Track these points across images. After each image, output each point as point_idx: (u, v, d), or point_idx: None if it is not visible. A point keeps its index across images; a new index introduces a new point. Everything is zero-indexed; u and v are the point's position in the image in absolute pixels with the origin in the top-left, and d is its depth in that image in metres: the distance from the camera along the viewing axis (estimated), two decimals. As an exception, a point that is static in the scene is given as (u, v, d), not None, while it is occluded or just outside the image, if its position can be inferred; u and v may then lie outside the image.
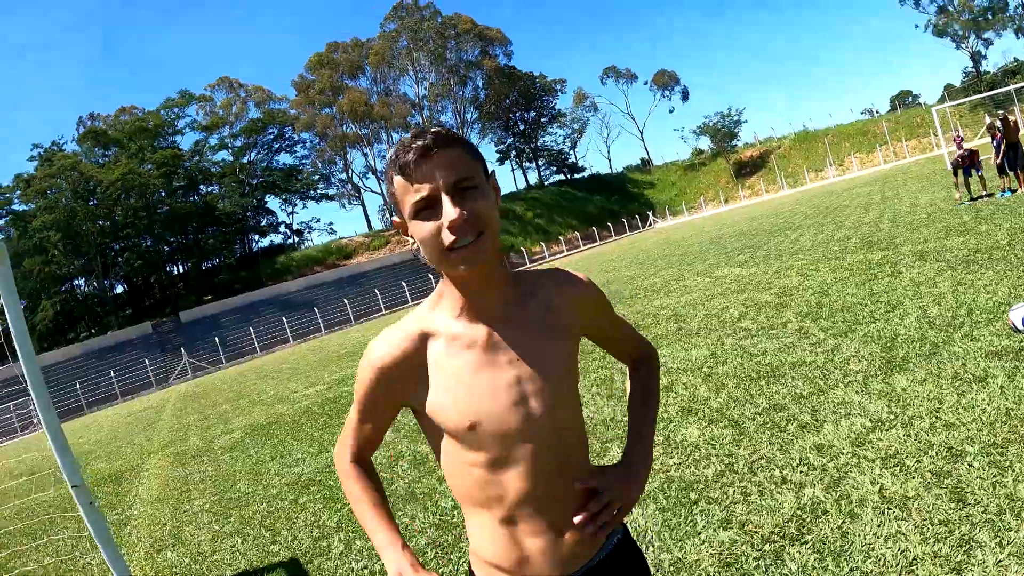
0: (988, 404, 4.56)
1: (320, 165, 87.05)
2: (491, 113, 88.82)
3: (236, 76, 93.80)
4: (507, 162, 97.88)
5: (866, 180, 41.66)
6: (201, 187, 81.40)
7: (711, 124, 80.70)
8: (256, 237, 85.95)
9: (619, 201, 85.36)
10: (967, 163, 17.06)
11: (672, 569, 3.72)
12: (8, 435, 39.66)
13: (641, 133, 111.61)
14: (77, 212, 66.08)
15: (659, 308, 12.98)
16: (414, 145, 1.38)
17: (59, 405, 42.95)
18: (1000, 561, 3.00)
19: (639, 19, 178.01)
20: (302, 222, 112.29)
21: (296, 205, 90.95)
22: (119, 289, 77.50)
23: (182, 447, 13.63)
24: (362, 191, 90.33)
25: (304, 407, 13.90)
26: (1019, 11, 68.87)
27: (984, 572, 2.96)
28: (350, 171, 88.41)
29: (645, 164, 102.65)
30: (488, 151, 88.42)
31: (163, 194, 75.18)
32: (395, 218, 1.53)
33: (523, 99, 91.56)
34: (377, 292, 57.11)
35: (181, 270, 78.49)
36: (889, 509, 3.63)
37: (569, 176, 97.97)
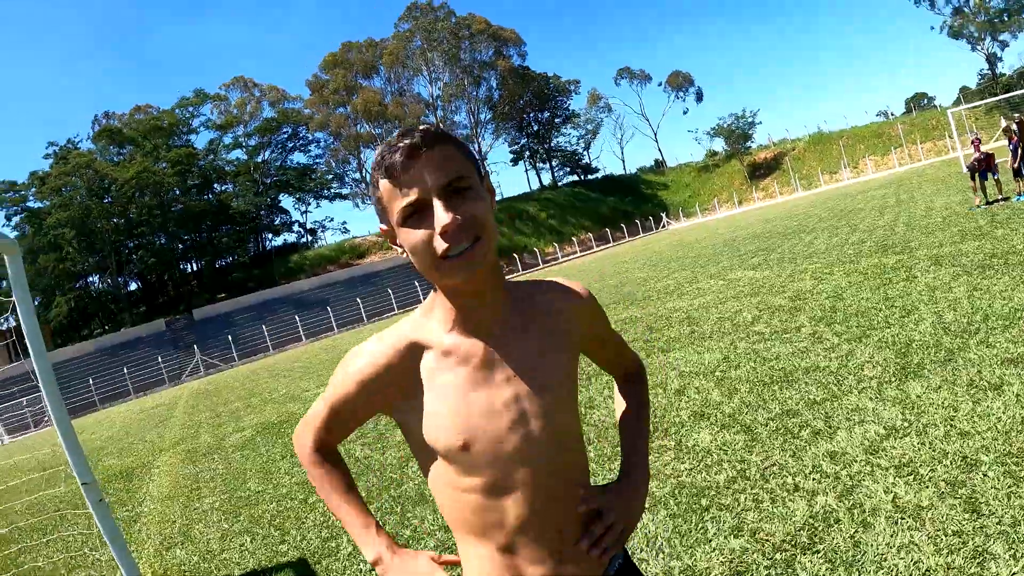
0: (1004, 412, 4.51)
1: (334, 164, 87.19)
2: (505, 114, 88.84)
3: (251, 76, 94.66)
4: (521, 162, 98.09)
5: (881, 183, 41.43)
6: (215, 186, 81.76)
7: (725, 125, 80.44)
8: (270, 236, 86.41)
9: (632, 202, 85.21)
10: (983, 167, 16.94)
11: (682, 576, 3.69)
12: (21, 430, 39.87)
13: (655, 134, 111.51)
14: (92, 210, 66.45)
15: (672, 310, 12.93)
16: (400, 144, 1.30)
17: (72, 401, 43.27)
18: (1015, 574, 2.95)
19: (654, 20, 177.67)
20: (316, 221, 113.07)
21: (310, 204, 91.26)
22: (133, 286, 77.94)
23: (193, 444, 13.66)
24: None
25: (315, 406, 13.84)
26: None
27: (999, 585, 2.92)
28: (364, 171, 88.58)
29: (659, 165, 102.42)
30: (502, 151, 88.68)
31: (177, 192, 75.47)
32: (382, 226, 1.43)
33: (537, 100, 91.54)
34: (390, 291, 57.14)
35: (195, 268, 78.85)
36: (902, 519, 3.58)
37: (583, 177, 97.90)
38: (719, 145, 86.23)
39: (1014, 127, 16.75)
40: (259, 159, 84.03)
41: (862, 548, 3.43)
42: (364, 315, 54.72)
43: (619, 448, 1.70)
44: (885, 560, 3.28)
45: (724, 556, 3.74)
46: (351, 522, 1.49)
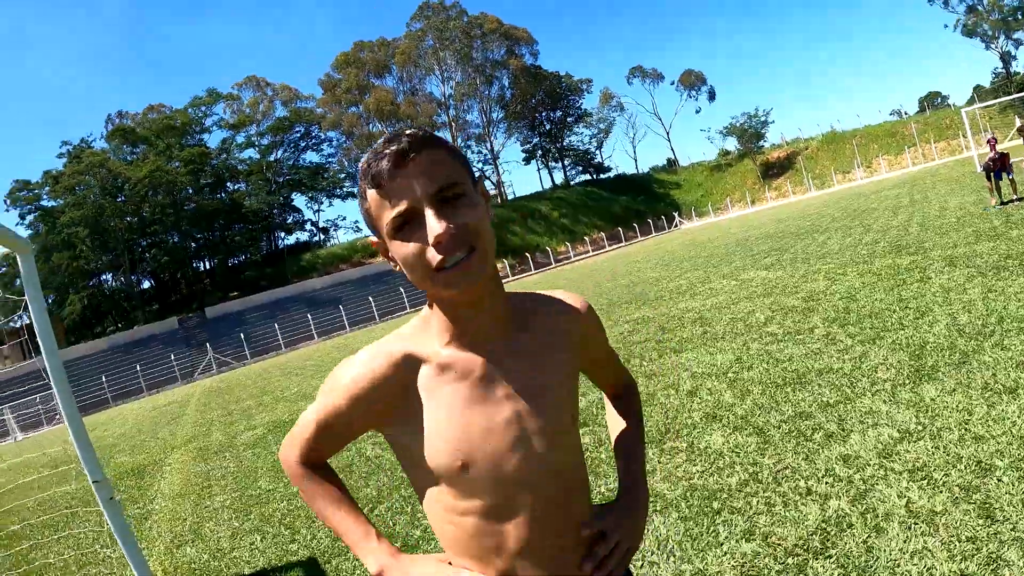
0: (1019, 416, 4.46)
1: (346, 163, 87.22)
2: (517, 113, 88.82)
3: (263, 75, 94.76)
4: (533, 162, 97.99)
5: (894, 182, 41.20)
6: (228, 184, 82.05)
7: (738, 125, 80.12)
8: (282, 234, 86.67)
9: (645, 201, 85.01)
10: (998, 166, 16.81)
11: (693, 580, 3.67)
12: (34, 427, 40.07)
13: (667, 133, 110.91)
14: (105, 208, 66.79)
15: (684, 311, 12.89)
16: (387, 151, 1.22)
17: (85, 398, 43.48)
18: (1031, 581, 2.92)
19: (666, 19, 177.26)
20: (328, 220, 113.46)
21: (322, 203, 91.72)
22: (146, 284, 78.36)
23: (205, 442, 13.70)
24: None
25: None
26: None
27: (1015, 592, 2.89)
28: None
29: (671, 164, 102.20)
30: (514, 151, 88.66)
31: (190, 191, 75.76)
32: (372, 238, 1.36)
33: (549, 99, 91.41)
34: (402, 290, 57.17)
35: (207, 266, 79.17)
36: (916, 524, 3.55)
37: (595, 176, 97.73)
38: (732, 144, 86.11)
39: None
40: (272, 158, 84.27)
41: (875, 553, 3.40)
42: (376, 314, 54.77)
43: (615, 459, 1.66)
44: (898, 566, 3.25)
45: (735, 560, 3.71)
46: (349, 533, 1.43)
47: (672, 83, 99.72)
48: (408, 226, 1.23)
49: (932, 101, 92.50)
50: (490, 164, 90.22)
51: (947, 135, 62.70)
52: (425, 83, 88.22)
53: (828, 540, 3.64)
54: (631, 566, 1.48)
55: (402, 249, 1.24)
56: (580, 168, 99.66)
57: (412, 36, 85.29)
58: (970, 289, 8.34)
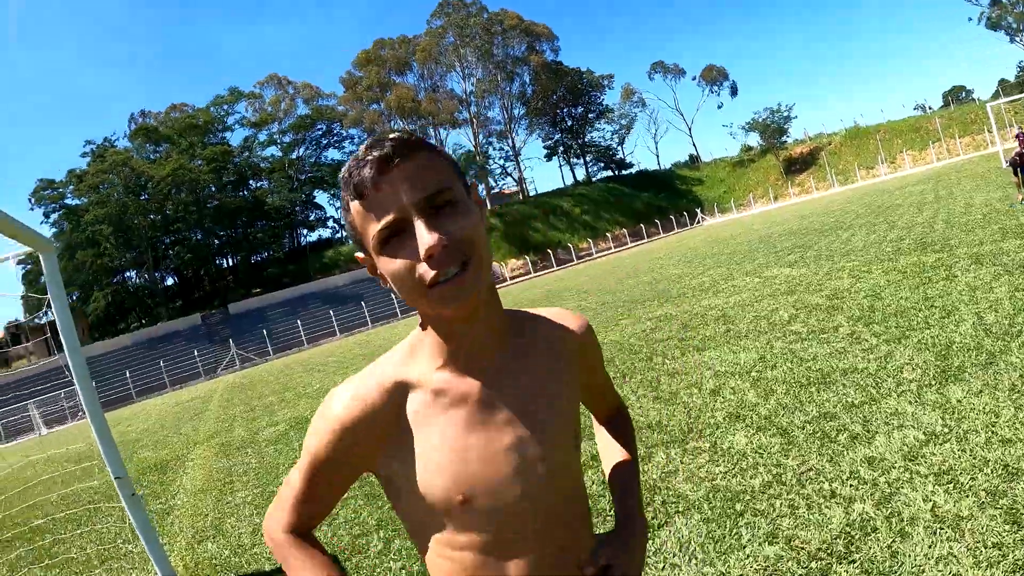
0: (1048, 418, 4.39)
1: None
2: (538, 109, 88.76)
3: (284, 73, 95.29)
4: (555, 158, 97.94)
5: (919, 178, 40.82)
6: (250, 182, 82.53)
7: (760, 120, 79.58)
8: (305, 231, 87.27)
9: (667, 198, 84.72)
10: (1024, 162, 16.61)
11: (714, 584, 3.63)
12: (59, 422, 40.51)
13: (689, 129, 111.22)
14: (128, 206, 67.50)
15: (707, 308, 12.82)
16: (369, 157, 1.11)
17: (109, 393, 43.98)
18: (1062, 588, 2.86)
19: (687, 14, 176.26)
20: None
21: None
22: (169, 281, 79.22)
23: (227, 438, 13.78)
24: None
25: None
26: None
27: (1044, 600, 2.84)
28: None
29: (693, 160, 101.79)
30: (536, 147, 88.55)
31: (213, 189, 76.34)
32: (359, 254, 1.24)
33: (570, 95, 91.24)
34: (422, 287, 57.25)
35: (230, 263, 79.76)
36: (941, 529, 3.49)
37: (617, 172, 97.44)
38: (754, 140, 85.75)
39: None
40: (294, 156, 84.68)
41: (899, 559, 3.35)
42: (398, 310, 54.91)
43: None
44: (923, 572, 3.20)
45: (758, 564, 3.67)
46: None
47: (694, 78, 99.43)
48: (396, 239, 1.13)
49: (956, 95, 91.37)
50: (512, 161, 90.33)
51: (972, 130, 61.99)
52: (446, 80, 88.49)
53: (852, 544, 3.59)
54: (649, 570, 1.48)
55: (390, 265, 1.14)
56: (602, 164, 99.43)
57: (433, 33, 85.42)
58: (997, 288, 8.23)
